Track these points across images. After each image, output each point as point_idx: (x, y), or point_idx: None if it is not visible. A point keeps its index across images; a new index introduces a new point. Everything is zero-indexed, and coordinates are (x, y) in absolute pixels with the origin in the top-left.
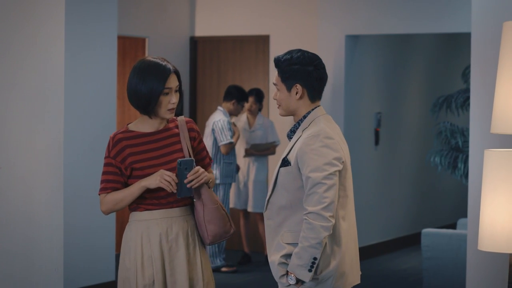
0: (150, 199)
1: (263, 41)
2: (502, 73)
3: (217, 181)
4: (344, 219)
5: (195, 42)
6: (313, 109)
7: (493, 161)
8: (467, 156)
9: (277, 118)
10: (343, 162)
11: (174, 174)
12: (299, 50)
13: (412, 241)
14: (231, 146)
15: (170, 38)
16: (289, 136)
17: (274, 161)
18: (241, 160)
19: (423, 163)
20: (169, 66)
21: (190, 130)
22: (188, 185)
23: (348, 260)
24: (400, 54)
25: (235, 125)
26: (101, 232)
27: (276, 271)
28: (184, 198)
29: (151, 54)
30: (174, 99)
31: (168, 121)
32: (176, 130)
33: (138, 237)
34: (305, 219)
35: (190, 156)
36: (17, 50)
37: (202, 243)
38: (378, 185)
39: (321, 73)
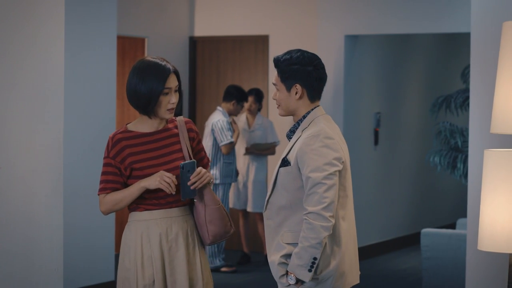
0: (149, 199)
1: (262, 41)
2: (502, 73)
3: (217, 181)
4: (344, 219)
5: (194, 42)
6: (312, 109)
7: (493, 161)
8: (466, 156)
9: (276, 118)
10: (343, 162)
11: (174, 176)
12: (299, 50)
13: (412, 241)
14: (231, 146)
15: (170, 38)
16: (289, 136)
17: (273, 161)
18: (241, 160)
19: (422, 163)
20: (169, 66)
21: (189, 130)
22: (191, 187)
23: (348, 260)
24: (399, 54)
25: (235, 122)
26: (100, 232)
27: (276, 271)
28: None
29: (150, 54)
30: (173, 99)
31: (167, 121)
32: (176, 130)
33: (138, 237)
34: (305, 219)
35: (189, 156)
36: (17, 50)
37: (201, 243)
38: (377, 185)
39: (321, 73)
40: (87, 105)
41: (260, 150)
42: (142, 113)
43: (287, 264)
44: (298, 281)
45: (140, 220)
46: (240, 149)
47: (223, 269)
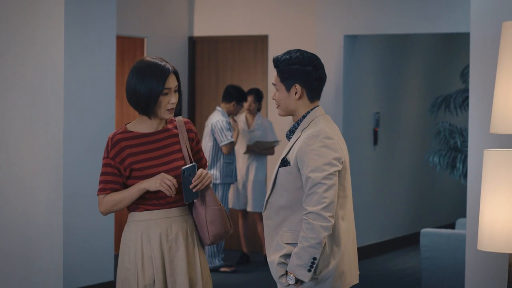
0: (149, 200)
1: (261, 41)
2: (502, 73)
3: (217, 181)
4: (343, 219)
5: (193, 42)
6: (312, 109)
7: (492, 161)
8: (465, 156)
9: (276, 118)
10: (342, 162)
11: (175, 179)
12: (298, 50)
13: (411, 241)
14: (232, 146)
15: (169, 38)
16: (288, 136)
17: (273, 161)
18: (240, 160)
19: (421, 163)
20: (168, 66)
21: (188, 130)
22: (194, 190)
23: (347, 260)
24: (398, 54)
25: (235, 121)
26: (100, 232)
27: (276, 271)
28: (182, 198)
29: (149, 54)
30: (173, 99)
31: (166, 121)
32: (175, 131)
33: (138, 237)
34: (305, 219)
35: (189, 156)
36: (17, 50)
37: (201, 243)
38: (376, 185)
39: (320, 73)
40: (87, 105)
41: (262, 149)
42: (141, 113)
43: (287, 264)
44: (298, 281)
45: (140, 220)
46: (240, 149)
47: (223, 269)
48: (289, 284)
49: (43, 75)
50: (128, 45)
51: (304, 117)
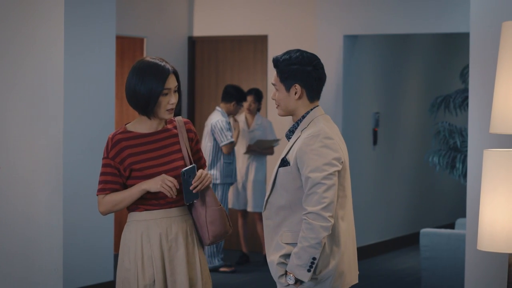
0: (149, 200)
1: (261, 41)
2: (501, 73)
3: (217, 181)
4: (343, 219)
5: (193, 42)
6: (312, 109)
7: (492, 161)
8: (465, 156)
9: (275, 118)
10: (342, 162)
11: (176, 180)
12: (298, 50)
13: (410, 241)
14: (232, 146)
15: (168, 38)
16: (288, 136)
17: (272, 161)
18: (240, 160)
19: (421, 163)
20: (168, 66)
21: (188, 130)
22: (194, 191)
23: (347, 260)
24: (398, 54)
25: (236, 121)
26: (99, 232)
27: (275, 271)
28: (182, 198)
29: (149, 54)
30: (173, 99)
31: (166, 121)
32: (175, 131)
33: (137, 237)
34: (305, 219)
35: (189, 157)
36: (17, 50)
37: (200, 243)
38: (376, 185)
39: (320, 73)
40: (87, 105)
41: (263, 148)
42: (141, 114)
43: (286, 264)
44: (297, 281)
45: (139, 220)
46: (240, 149)
47: (222, 269)
48: (289, 284)
49: (43, 75)
50: (127, 45)
51: (303, 117)
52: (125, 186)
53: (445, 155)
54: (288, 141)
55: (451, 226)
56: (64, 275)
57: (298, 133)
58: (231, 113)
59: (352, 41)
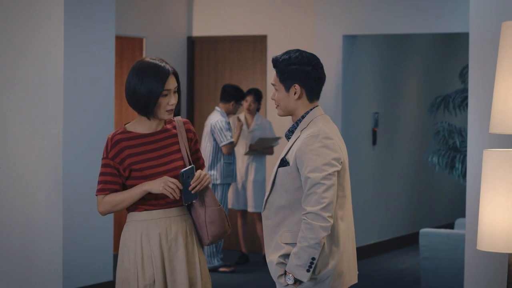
0: (149, 200)
1: (260, 41)
2: (501, 73)
3: (217, 182)
4: (342, 219)
5: (192, 42)
6: (311, 109)
7: (492, 161)
8: (464, 156)
9: (275, 118)
10: (341, 162)
11: (178, 181)
12: (297, 50)
13: (410, 241)
14: (232, 146)
15: (168, 38)
16: (288, 136)
17: (272, 161)
18: (240, 160)
19: (420, 163)
20: (168, 67)
21: (187, 131)
22: (192, 191)
23: (346, 260)
24: (397, 54)
25: (239, 120)
26: (99, 232)
27: (275, 271)
28: (181, 198)
29: (148, 54)
30: (173, 100)
31: (165, 121)
32: (174, 131)
33: (137, 237)
34: (304, 219)
35: (188, 157)
36: (17, 50)
37: (200, 243)
38: (375, 185)
39: (319, 73)
40: (86, 105)
41: (264, 147)
42: (140, 114)
43: (286, 264)
44: (297, 281)
45: (139, 220)
46: (239, 149)
47: (222, 269)
48: (288, 284)
49: (43, 75)
50: (127, 45)
51: (303, 117)
52: (124, 186)
53: (445, 155)
54: (288, 141)
55: (450, 226)
56: (63, 275)
57: (297, 133)
58: (230, 113)
59: (351, 41)
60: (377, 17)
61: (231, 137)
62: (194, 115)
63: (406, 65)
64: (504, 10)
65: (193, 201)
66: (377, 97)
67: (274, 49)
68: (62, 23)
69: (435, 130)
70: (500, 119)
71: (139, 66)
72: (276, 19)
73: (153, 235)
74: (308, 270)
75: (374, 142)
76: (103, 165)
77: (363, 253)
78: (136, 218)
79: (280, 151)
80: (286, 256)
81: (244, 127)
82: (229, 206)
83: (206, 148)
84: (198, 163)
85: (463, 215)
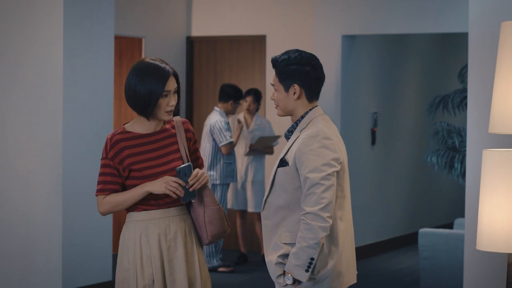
0: (148, 200)
1: (259, 41)
2: (500, 73)
3: (217, 182)
4: (341, 220)
5: (191, 42)
6: (310, 109)
7: (492, 161)
8: (463, 156)
9: (274, 118)
10: (341, 162)
11: (179, 179)
12: (297, 50)
13: (409, 241)
14: (231, 146)
15: (167, 38)
16: (287, 137)
17: (271, 161)
18: (239, 160)
19: (419, 163)
20: (168, 68)
21: (186, 130)
22: (190, 189)
23: (345, 260)
24: (396, 54)
25: (240, 122)
26: (98, 232)
27: (273, 271)
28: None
29: (147, 54)
30: (172, 101)
31: (164, 121)
32: (173, 131)
33: (136, 237)
34: (303, 219)
35: (187, 157)
36: (17, 50)
37: (199, 242)
38: (374, 185)
39: (319, 73)
40: (85, 105)
41: (264, 146)
42: (140, 114)
43: (285, 264)
44: (295, 281)
45: (138, 220)
46: (239, 149)
47: (221, 269)
48: (287, 284)
49: (43, 75)
50: (126, 45)
51: (302, 117)
52: (124, 187)
53: (444, 155)
54: (287, 141)
55: (450, 226)
56: (63, 275)
57: (297, 133)
58: (230, 112)
59: (350, 41)
60: (376, 17)
61: (231, 137)
62: (193, 115)
63: (405, 65)
64: (504, 10)
65: (192, 201)
66: (376, 97)
67: (273, 49)
68: (62, 23)
69: (434, 130)
70: (499, 119)
71: (139, 67)
72: (275, 19)
73: (152, 235)
74: (307, 270)
75: (373, 142)
76: (103, 165)
77: (362, 253)
78: (135, 218)
79: (279, 151)
80: (285, 256)
81: (244, 127)
82: (229, 206)
83: (205, 148)
84: (197, 163)
85: (462, 215)
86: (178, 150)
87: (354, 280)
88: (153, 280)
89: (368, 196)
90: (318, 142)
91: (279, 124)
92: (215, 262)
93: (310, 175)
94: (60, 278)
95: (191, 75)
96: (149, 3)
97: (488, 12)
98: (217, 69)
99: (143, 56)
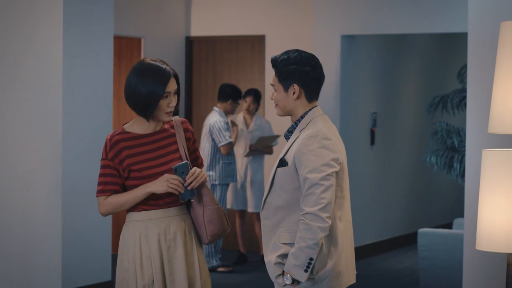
0: (148, 200)
1: (258, 41)
2: (500, 73)
3: (216, 182)
4: (340, 220)
5: (190, 42)
6: (310, 109)
7: (491, 161)
8: (463, 156)
9: (274, 118)
10: (340, 163)
11: (179, 177)
12: (296, 50)
13: (408, 241)
14: (230, 146)
15: (166, 38)
16: (287, 137)
17: (270, 161)
18: (239, 161)
19: (419, 163)
20: (169, 69)
21: (185, 130)
22: (188, 187)
23: (344, 260)
24: (396, 54)
25: (235, 124)
26: (97, 232)
27: (273, 271)
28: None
29: (146, 54)
30: (173, 102)
31: (163, 122)
32: (172, 131)
33: (136, 237)
34: (302, 219)
35: (186, 157)
36: (16, 51)
37: (199, 242)
38: (374, 185)
39: (318, 73)
40: (85, 105)
41: (264, 146)
42: (140, 115)
43: (284, 264)
44: (294, 281)
45: (138, 221)
46: (238, 150)
47: (220, 269)
48: (286, 284)
49: (42, 75)
50: (125, 45)
51: (302, 117)
52: (124, 187)
53: (443, 155)
54: (287, 141)
55: (449, 226)
56: (62, 275)
57: (296, 133)
58: (229, 112)
59: (349, 41)
60: (375, 17)
61: (230, 137)
62: (192, 115)
63: (404, 65)
64: (503, 10)
65: (192, 200)
66: (375, 97)
67: (273, 49)
68: (61, 23)
69: (433, 130)
70: (499, 119)
71: (140, 67)
72: (274, 19)
73: (152, 235)
74: (306, 271)
75: (372, 142)
76: (103, 166)
77: (361, 253)
78: (135, 218)
79: (279, 151)
80: (284, 256)
81: (244, 127)
82: (228, 206)
83: (204, 149)
84: (196, 162)
85: (461, 215)
86: (177, 150)
87: (353, 280)
88: (153, 280)
89: (368, 196)
90: (318, 142)
91: (279, 124)
92: (214, 262)
93: (309, 176)
94: (60, 278)
95: (190, 75)
96: (148, 3)
97: (487, 12)
98: (216, 69)
99: (142, 56)
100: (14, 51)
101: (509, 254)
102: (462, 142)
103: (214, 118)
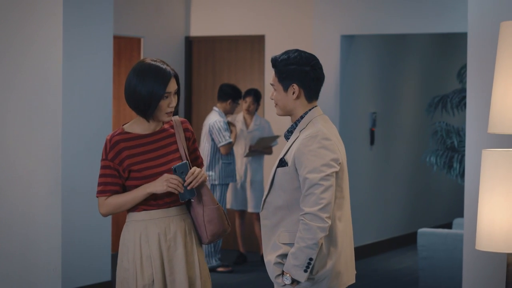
0: (148, 200)
1: (258, 41)
2: (500, 73)
3: (215, 182)
4: (340, 220)
5: (190, 42)
6: (310, 110)
7: (491, 161)
8: (462, 156)
9: (273, 118)
10: (340, 163)
11: (178, 177)
12: (296, 50)
13: (408, 241)
14: (230, 146)
15: (166, 38)
16: (287, 137)
17: (270, 161)
18: (239, 161)
19: (418, 163)
20: (169, 69)
21: (185, 130)
22: (188, 187)
23: (344, 260)
24: (395, 54)
25: (233, 125)
26: (97, 232)
27: (272, 271)
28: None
29: (146, 54)
30: (173, 102)
31: (163, 122)
32: (172, 131)
33: (136, 237)
34: (302, 219)
35: (186, 156)
36: (16, 51)
37: (199, 242)
38: (373, 185)
39: (318, 73)
40: (84, 105)
41: (264, 147)
42: (140, 115)
43: (283, 264)
44: (294, 281)
45: (138, 221)
46: (238, 150)
47: (220, 269)
48: (285, 284)
49: (42, 75)
50: (125, 45)
51: (302, 117)
52: (124, 187)
53: (443, 155)
54: (287, 141)
55: (449, 226)
56: (62, 275)
57: (296, 133)
58: (228, 112)
59: (349, 41)
60: (375, 17)
61: (230, 137)
62: (192, 115)
63: (404, 65)
64: (503, 10)
65: (192, 200)
66: (375, 97)
67: (272, 49)
68: (61, 23)
69: (433, 130)
70: (498, 119)
71: (140, 68)
72: (274, 19)
73: (152, 235)
74: (305, 271)
75: (372, 142)
76: (103, 167)
77: (361, 253)
78: (135, 218)
79: (279, 151)
80: (284, 256)
81: (243, 127)
82: (228, 206)
83: (204, 149)
84: (196, 162)
85: (461, 215)
86: (177, 150)
87: (352, 280)
88: (153, 280)
89: (367, 196)
90: (318, 142)
91: (279, 124)
92: (214, 262)
93: (309, 176)
94: (60, 278)
95: (190, 75)
96: (148, 3)
97: (487, 12)
98: (216, 69)
99: (142, 56)
100: (14, 51)
101: (508, 254)
102: (462, 142)
103: (214, 118)
